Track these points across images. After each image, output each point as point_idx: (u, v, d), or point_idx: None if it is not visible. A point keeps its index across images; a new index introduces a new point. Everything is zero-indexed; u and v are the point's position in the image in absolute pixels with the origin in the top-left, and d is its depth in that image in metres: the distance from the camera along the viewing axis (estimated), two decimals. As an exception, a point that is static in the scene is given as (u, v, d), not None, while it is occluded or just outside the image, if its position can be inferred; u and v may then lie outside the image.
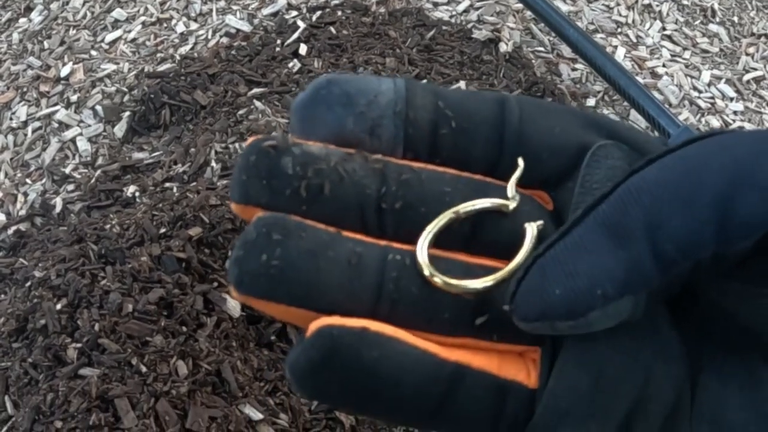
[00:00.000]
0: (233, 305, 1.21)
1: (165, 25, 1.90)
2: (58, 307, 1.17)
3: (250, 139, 0.29)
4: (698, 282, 0.29)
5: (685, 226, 0.26)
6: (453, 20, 1.90)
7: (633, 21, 2.00)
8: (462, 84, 1.61)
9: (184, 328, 1.16)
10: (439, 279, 0.28)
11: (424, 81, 1.64)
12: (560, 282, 0.27)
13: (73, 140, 1.68)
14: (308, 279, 0.27)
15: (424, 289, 0.29)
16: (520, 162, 0.31)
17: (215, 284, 1.23)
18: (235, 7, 1.91)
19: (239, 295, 0.28)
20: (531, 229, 0.30)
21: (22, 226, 1.50)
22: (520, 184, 0.31)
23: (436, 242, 0.29)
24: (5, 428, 1.10)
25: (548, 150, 0.31)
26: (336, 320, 0.27)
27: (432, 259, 0.29)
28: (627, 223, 0.27)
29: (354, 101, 0.30)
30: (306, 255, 0.28)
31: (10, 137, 1.71)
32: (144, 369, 1.10)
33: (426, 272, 0.28)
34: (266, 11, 1.88)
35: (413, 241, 0.29)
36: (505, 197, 0.30)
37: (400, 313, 0.28)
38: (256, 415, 1.11)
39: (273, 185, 0.29)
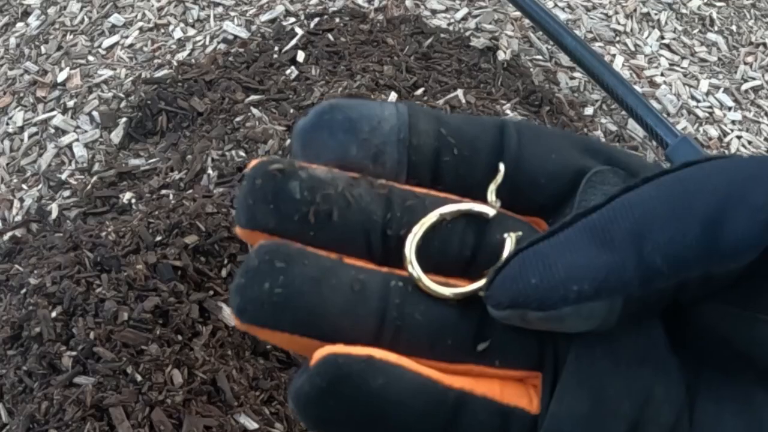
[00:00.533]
0: (229, 314, 1.21)
1: (162, 30, 1.90)
2: (53, 314, 1.16)
3: (254, 162, 0.29)
4: (692, 306, 0.30)
5: (673, 240, 0.26)
6: (451, 28, 1.90)
7: (631, 30, 2.00)
8: (460, 92, 1.61)
9: (180, 337, 1.15)
10: (424, 283, 0.29)
11: (422, 89, 1.64)
12: (537, 272, 0.27)
13: (69, 146, 1.67)
14: (312, 306, 0.27)
15: (427, 316, 0.29)
16: (501, 167, 0.31)
17: (211, 292, 1.22)
18: (232, 14, 1.91)
19: (242, 323, 0.28)
20: (510, 239, 0.30)
21: (18, 232, 1.50)
22: (518, 210, 0.31)
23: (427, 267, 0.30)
24: (-1, 436, 1.10)
25: (545, 176, 0.31)
26: (341, 348, 0.27)
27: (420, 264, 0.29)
28: (615, 230, 0.27)
29: (357, 127, 0.30)
30: (309, 282, 0.28)
31: (7, 142, 1.70)
32: (139, 378, 1.09)
33: (414, 275, 0.29)
34: (264, 18, 1.88)
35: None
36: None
37: (403, 339, 0.28)
38: (252, 424, 1.11)
39: (281, 210, 0.29)
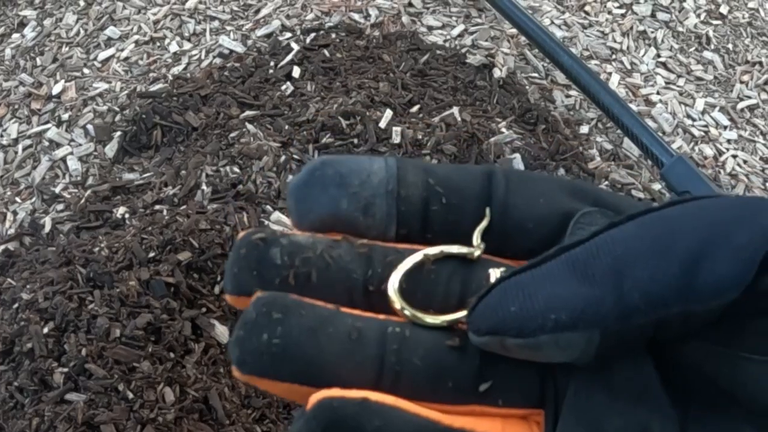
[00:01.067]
0: (221, 331, 1.21)
1: (158, 44, 1.89)
2: (45, 330, 1.16)
3: (242, 233, 0.31)
4: (675, 343, 0.30)
5: (652, 278, 0.27)
6: (447, 44, 1.90)
7: (627, 48, 2.00)
8: (455, 110, 1.61)
9: (172, 354, 1.15)
10: (408, 312, 0.30)
11: (418, 106, 1.64)
12: (517, 301, 0.28)
13: (63, 159, 1.67)
14: (311, 356, 0.28)
15: (426, 360, 0.29)
16: (487, 211, 0.32)
17: (204, 309, 1.22)
18: (228, 28, 1.91)
19: (242, 375, 0.28)
20: (494, 274, 0.31)
21: (11, 246, 1.49)
22: (507, 255, 0.32)
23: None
24: (-11, 454, 1.09)
25: (533, 220, 0.32)
26: (336, 392, 0.28)
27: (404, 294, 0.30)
28: (596, 266, 0.28)
29: (347, 182, 0.31)
30: (307, 332, 0.28)
31: (1, 155, 1.70)
32: (131, 395, 1.09)
33: (397, 306, 0.30)
34: (260, 32, 1.88)
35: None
36: (476, 247, 0.32)
37: (403, 384, 0.29)
38: (243, 443, 1.11)
39: (263, 275, 0.30)
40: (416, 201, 0.31)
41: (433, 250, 0.31)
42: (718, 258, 0.27)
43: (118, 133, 1.69)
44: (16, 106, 1.79)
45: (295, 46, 1.80)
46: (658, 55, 2.01)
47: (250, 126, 1.56)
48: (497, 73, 1.81)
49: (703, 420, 0.30)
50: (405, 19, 1.93)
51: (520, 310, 0.28)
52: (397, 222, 0.32)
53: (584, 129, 1.78)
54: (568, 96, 1.85)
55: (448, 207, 0.32)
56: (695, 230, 0.27)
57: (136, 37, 1.91)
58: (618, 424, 0.29)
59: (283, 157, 1.49)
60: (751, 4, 2.15)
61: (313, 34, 1.85)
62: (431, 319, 0.30)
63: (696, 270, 0.27)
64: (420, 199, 0.31)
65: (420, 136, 1.52)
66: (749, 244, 0.27)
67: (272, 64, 1.77)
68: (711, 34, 2.07)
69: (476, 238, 0.32)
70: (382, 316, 0.30)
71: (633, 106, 1.74)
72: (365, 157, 0.32)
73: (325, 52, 1.77)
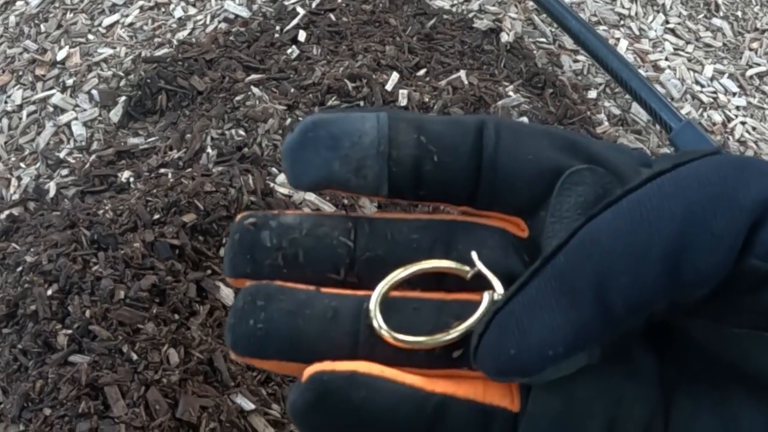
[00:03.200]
0: (227, 293, 1.20)
1: (163, 9, 1.88)
2: (49, 292, 1.15)
3: (237, 217, 0.34)
4: (679, 320, 0.31)
5: (634, 283, 0.28)
6: (454, 9, 1.88)
7: (636, 13, 1.99)
8: (462, 74, 1.60)
9: (177, 316, 1.14)
10: (386, 333, 0.31)
11: (424, 70, 1.63)
12: (514, 341, 0.29)
13: (68, 124, 1.66)
14: (290, 336, 0.31)
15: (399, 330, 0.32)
16: (474, 255, 0.33)
17: (209, 272, 1.21)
18: (234, -7, 1.89)
19: (236, 356, 0.32)
20: (488, 297, 0.32)
21: (15, 211, 1.49)
22: (497, 211, 0.34)
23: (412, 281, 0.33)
24: (-7, 415, 1.09)
25: (521, 179, 0.33)
26: (327, 366, 0.31)
27: (398, 303, 0.32)
28: (578, 280, 0.29)
29: (339, 144, 0.32)
30: (286, 315, 0.31)
31: (5, 121, 1.69)
32: (135, 357, 1.08)
33: (375, 324, 0.31)
34: (266, -3, 1.87)
35: None
36: (466, 258, 0.33)
37: (378, 354, 0.31)
38: (248, 405, 1.10)
39: (255, 258, 0.33)
40: (408, 161, 0.32)
41: (426, 265, 0.33)
42: (697, 250, 0.27)
43: (123, 98, 1.68)
44: (21, 73, 1.78)
45: (301, 11, 1.79)
46: (667, 22, 1.99)
47: (255, 89, 1.55)
48: (504, 37, 1.79)
49: (693, 380, 0.31)
50: (411, -17, 1.92)
51: (519, 351, 0.29)
52: (389, 181, 0.33)
53: (592, 94, 1.77)
54: (576, 61, 1.84)
55: (439, 165, 0.33)
56: (673, 218, 0.28)
57: (140, 2, 1.89)
58: (589, 387, 0.30)
59: (288, 120, 1.48)
60: (761, -29, 2.14)
61: (319, -1, 1.83)
62: (410, 338, 0.31)
63: (676, 266, 0.28)
64: (411, 158, 0.32)
65: (427, 99, 1.51)
66: (728, 231, 0.27)
67: (278, 28, 1.76)
68: (720, 1, 2.05)
69: (476, 260, 0.33)
70: (361, 292, 0.32)
71: (641, 72, 1.73)
72: (357, 114, 0.33)
73: (331, 16, 1.76)
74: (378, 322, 0.31)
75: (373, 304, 0.32)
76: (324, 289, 0.32)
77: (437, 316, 0.32)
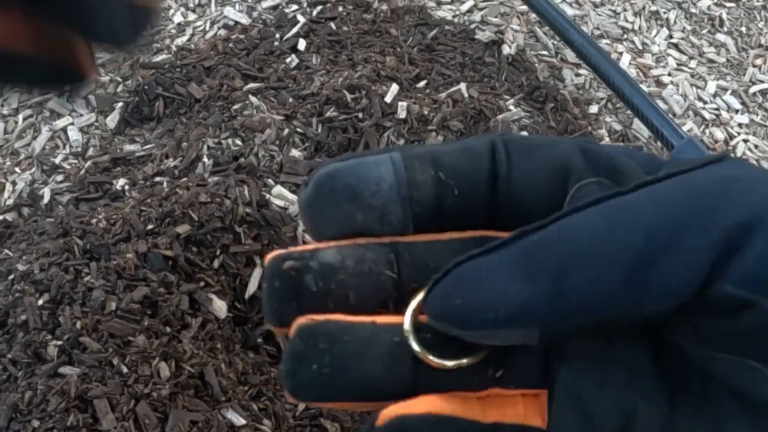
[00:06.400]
0: (219, 306, 1.19)
1: (162, 15, 1.87)
2: (40, 302, 1.14)
3: (268, 258, 0.32)
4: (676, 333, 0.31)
5: (593, 282, 0.28)
6: (456, 20, 1.87)
7: (639, 28, 1.98)
8: (462, 86, 1.59)
9: (168, 329, 1.13)
10: (432, 359, 0.31)
11: (424, 81, 1.62)
12: (463, 293, 0.29)
13: (64, 129, 1.65)
14: (357, 378, 0.31)
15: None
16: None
17: (202, 284, 1.20)
18: (234, -1, 1.89)
19: (296, 400, 0.31)
20: None
21: (9, 216, 1.48)
22: (514, 226, 0.32)
23: None
24: (-19, 426, 1.08)
25: (535, 197, 0.33)
26: (403, 409, 0.30)
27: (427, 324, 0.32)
28: (542, 262, 0.29)
29: (358, 194, 0.32)
30: (353, 357, 0.31)
31: (1, 124, 1.68)
32: (125, 370, 1.07)
33: (415, 348, 0.31)
34: (266, 4, 1.86)
35: None
36: None
37: (436, 384, 0.31)
38: (239, 420, 1.09)
39: (302, 304, 0.31)
40: (429, 200, 0.32)
41: None
42: (662, 265, 0.28)
43: (120, 104, 1.67)
44: (18, 76, 1.76)
45: (302, 19, 1.78)
46: (671, 36, 1.98)
47: (253, 98, 1.54)
48: (506, 50, 1.79)
49: (694, 407, 0.31)
50: (413, -7, 1.91)
51: (463, 303, 0.29)
52: (413, 223, 0.32)
53: (593, 109, 1.76)
54: (577, 75, 1.83)
55: (459, 197, 0.32)
56: (648, 228, 0.28)
57: (140, 7, 1.88)
58: (605, 406, 0.30)
59: (286, 131, 1.46)
60: (765, -13, 2.13)
61: (319, 7, 1.83)
62: (444, 362, 0.31)
63: (640, 275, 0.28)
64: (432, 197, 0.32)
65: (426, 112, 1.50)
66: (696, 250, 0.28)
67: (277, 36, 1.75)
68: (724, 16, 2.04)
69: None
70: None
71: (644, 87, 1.72)
72: (370, 159, 0.33)
73: (332, 25, 1.75)
74: (414, 344, 0.31)
75: (408, 325, 0.31)
76: (379, 320, 0.32)
77: None
